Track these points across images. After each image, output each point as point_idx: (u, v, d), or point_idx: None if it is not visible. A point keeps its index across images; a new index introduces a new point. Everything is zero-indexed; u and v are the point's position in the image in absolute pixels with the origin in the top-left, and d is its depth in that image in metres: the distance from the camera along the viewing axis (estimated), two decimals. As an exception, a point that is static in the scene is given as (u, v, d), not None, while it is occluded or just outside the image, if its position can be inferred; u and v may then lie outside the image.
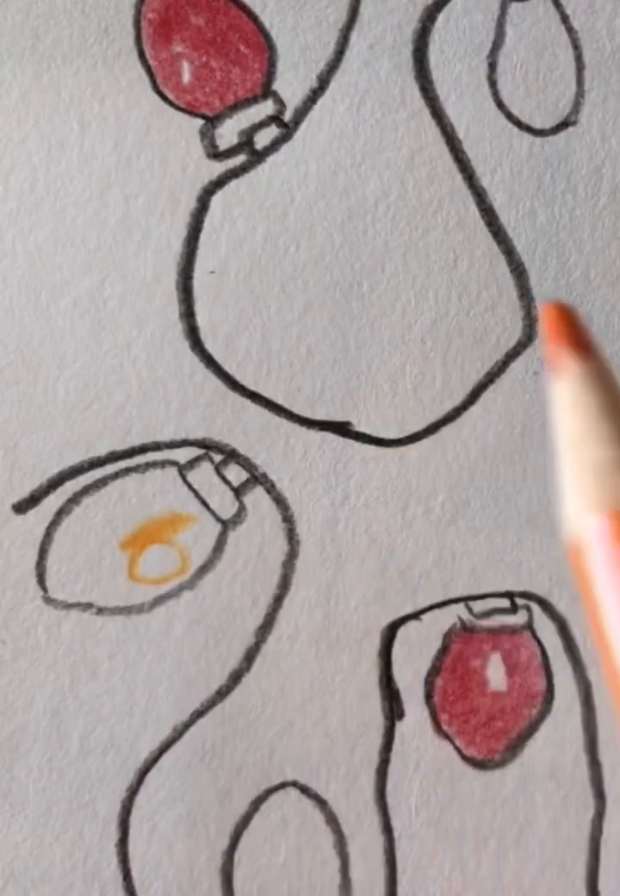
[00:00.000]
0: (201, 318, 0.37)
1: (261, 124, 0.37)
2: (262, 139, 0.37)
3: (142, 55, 0.36)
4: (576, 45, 0.37)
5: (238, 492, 0.37)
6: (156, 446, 0.37)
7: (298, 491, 0.37)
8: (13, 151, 0.36)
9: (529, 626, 0.37)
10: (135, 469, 0.37)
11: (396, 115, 0.37)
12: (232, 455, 0.37)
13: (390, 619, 0.37)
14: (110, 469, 0.37)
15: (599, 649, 0.27)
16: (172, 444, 0.37)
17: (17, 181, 0.36)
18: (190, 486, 0.37)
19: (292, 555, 0.37)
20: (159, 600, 0.37)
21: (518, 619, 0.37)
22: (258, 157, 0.37)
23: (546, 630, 0.37)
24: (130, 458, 0.37)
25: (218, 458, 0.37)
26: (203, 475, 0.37)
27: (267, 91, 0.37)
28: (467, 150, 0.37)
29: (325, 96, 0.37)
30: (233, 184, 0.37)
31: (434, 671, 0.37)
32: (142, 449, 0.37)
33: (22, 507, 0.37)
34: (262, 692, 0.37)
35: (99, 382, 0.37)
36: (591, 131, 0.37)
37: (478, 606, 0.37)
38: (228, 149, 0.37)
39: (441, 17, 0.37)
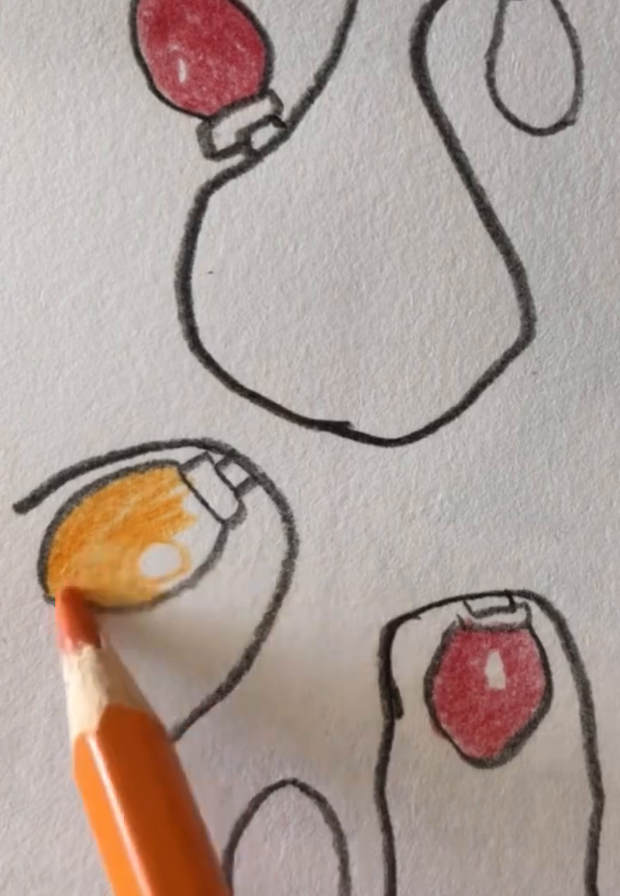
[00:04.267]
0: (200, 319, 0.37)
1: (259, 124, 0.36)
2: (260, 139, 0.36)
3: (138, 54, 0.36)
4: (575, 44, 0.36)
5: (238, 491, 0.37)
6: (156, 446, 0.37)
7: (298, 490, 0.37)
8: (9, 151, 0.36)
9: (528, 624, 0.37)
10: (135, 469, 0.37)
11: (394, 115, 0.36)
12: (231, 455, 0.37)
13: (389, 618, 0.37)
14: (110, 469, 0.37)
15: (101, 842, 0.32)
16: (172, 444, 0.37)
17: (13, 181, 0.36)
18: (190, 486, 0.37)
19: (292, 554, 0.37)
20: (159, 599, 0.37)
21: (517, 617, 0.37)
22: (256, 156, 0.37)
23: (545, 628, 0.37)
24: (130, 458, 0.37)
25: (217, 457, 0.37)
26: (203, 475, 0.37)
27: (264, 90, 0.36)
28: (465, 149, 0.37)
29: (323, 95, 0.36)
30: (231, 183, 0.37)
31: (433, 670, 0.37)
32: (142, 449, 0.37)
33: (23, 507, 0.37)
34: (262, 691, 0.37)
35: (98, 382, 0.37)
36: (590, 130, 0.37)
37: (477, 605, 0.37)
38: (226, 148, 0.36)
39: (438, 16, 0.36)
